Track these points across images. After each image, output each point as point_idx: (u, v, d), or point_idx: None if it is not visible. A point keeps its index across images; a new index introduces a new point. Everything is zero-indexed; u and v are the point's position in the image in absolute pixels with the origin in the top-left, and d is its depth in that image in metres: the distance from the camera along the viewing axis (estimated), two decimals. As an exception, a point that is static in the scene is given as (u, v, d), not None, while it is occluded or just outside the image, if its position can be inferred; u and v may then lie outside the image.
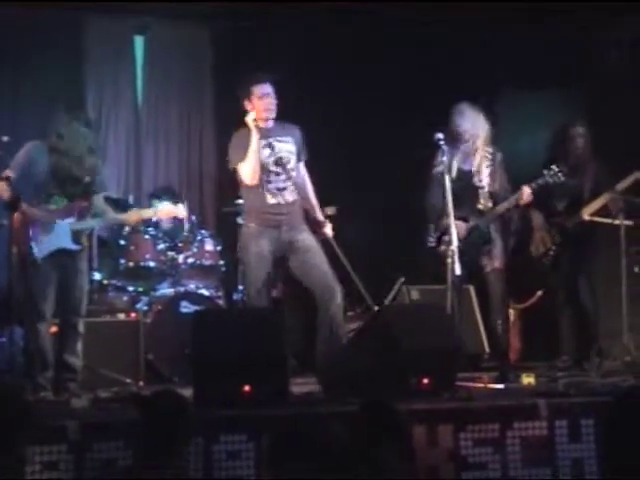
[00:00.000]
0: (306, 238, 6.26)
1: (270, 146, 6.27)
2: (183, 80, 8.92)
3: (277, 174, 6.25)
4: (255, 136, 6.17)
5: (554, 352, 7.02)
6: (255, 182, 6.20)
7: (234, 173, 6.29)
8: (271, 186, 6.24)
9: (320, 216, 6.45)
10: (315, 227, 6.38)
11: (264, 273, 6.17)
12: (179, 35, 8.90)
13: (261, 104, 6.24)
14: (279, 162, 6.25)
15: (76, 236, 5.98)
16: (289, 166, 6.28)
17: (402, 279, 7.43)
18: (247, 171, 6.19)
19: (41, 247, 5.87)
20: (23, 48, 8.07)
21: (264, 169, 6.22)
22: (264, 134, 6.26)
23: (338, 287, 6.16)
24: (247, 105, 6.27)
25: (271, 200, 6.23)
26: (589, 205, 6.80)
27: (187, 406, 3.96)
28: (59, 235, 5.92)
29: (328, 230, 6.37)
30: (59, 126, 5.99)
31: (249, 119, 6.20)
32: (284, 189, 6.25)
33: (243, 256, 6.37)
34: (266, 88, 6.26)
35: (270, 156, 6.25)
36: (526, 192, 6.50)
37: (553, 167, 6.52)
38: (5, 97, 8.01)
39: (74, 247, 5.98)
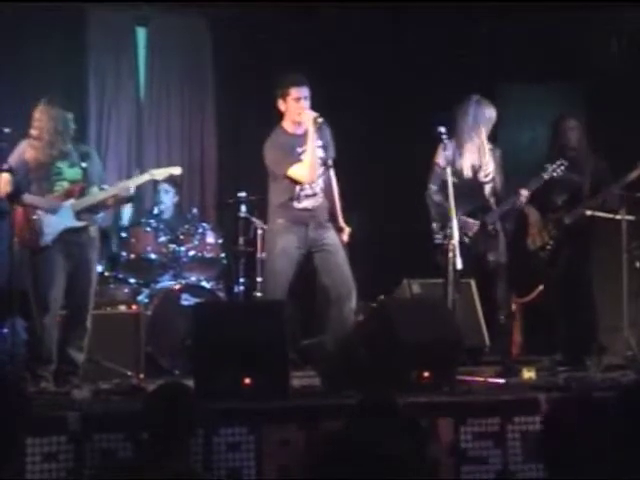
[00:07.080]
0: (332, 237, 6.25)
1: (324, 148, 6.23)
2: (185, 71, 8.91)
3: (319, 176, 6.22)
4: (313, 136, 6.05)
5: (555, 347, 7.01)
6: (313, 180, 6.13)
7: (285, 178, 6.11)
8: (308, 187, 6.19)
9: (341, 222, 6.42)
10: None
11: (287, 268, 6.14)
12: (181, 26, 8.89)
13: (296, 107, 6.13)
14: (327, 164, 6.25)
15: (79, 214, 6.02)
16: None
17: None
18: (305, 172, 6.08)
19: (49, 231, 5.91)
20: (25, 39, 8.05)
21: None
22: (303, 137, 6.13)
23: (355, 290, 6.17)
24: (281, 105, 6.18)
25: (304, 201, 6.18)
26: (589, 202, 6.76)
27: (191, 398, 3.95)
28: (63, 217, 5.96)
29: (345, 237, 6.38)
30: (33, 114, 6.01)
31: (309, 118, 6.05)
32: (317, 191, 6.22)
33: (269, 251, 6.33)
34: (304, 91, 6.14)
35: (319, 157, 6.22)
36: (523, 195, 6.51)
37: (557, 162, 6.51)
38: (7, 88, 7.98)
39: (78, 224, 6.00)
